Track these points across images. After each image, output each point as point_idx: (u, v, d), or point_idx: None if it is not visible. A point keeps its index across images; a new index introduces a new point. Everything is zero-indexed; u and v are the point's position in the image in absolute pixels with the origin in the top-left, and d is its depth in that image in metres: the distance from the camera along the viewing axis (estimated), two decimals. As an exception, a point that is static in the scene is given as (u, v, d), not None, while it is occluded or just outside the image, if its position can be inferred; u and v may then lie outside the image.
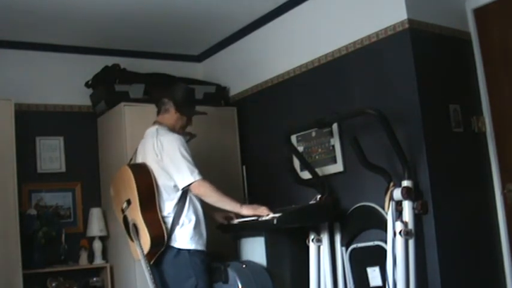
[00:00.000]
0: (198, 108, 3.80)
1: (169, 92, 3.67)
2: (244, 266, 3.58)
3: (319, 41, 4.04)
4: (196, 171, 3.38)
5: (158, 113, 3.66)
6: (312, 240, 3.67)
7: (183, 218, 3.39)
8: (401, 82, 3.49)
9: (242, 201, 3.56)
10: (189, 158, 3.40)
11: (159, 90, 3.76)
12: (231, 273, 3.50)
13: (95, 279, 4.42)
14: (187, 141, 3.54)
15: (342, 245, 3.62)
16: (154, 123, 3.62)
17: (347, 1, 3.87)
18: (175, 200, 3.41)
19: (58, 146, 4.57)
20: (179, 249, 3.37)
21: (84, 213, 4.56)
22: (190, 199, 3.44)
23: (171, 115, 3.62)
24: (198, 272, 3.37)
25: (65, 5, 3.98)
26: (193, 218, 3.41)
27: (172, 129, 3.57)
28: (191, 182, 3.35)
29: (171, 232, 3.37)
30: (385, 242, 3.25)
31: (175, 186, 3.41)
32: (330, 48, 3.94)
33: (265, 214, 3.41)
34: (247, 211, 3.47)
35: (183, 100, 3.62)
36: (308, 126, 3.85)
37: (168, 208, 3.41)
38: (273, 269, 3.63)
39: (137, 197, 3.37)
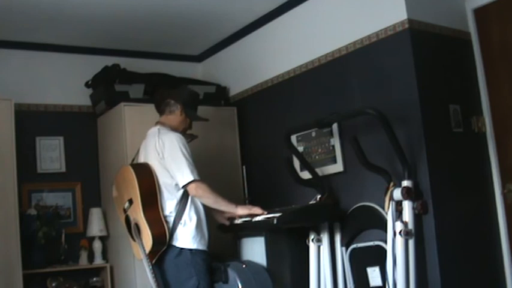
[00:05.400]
0: (199, 108, 3.82)
1: (176, 93, 3.69)
2: (244, 266, 3.58)
3: (319, 41, 4.04)
4: (195, 172, 3.40)
5: (162, 113, 3.67)
6: (312, 240, 3.67)
7: (185, 217, 3.40)
8: (401, 82, 3.49)
9: (237, 202, 3.58)
10: (189, 159, 3.42)
11: (163, 91, 3.77)
12: (231, 273, 3.50)
13: (95, 279, 4.42)
14: (188, 142, 3.55)
15: (342, 245, 3.62)
16: (157, 123, 3.63)
17: (347, 1, 3.87)
18: (177, 199, 3.42)
19: (58, 146, 4.57)
20: (181, 249, 3.38)
21: (84, 213, 4.56)
22: (192, 198, 3.45)
23: (176, 116, 3.63)
24: (199, 272, 3.38)
25: (65, 5, 3.98)
26: (195, 217, 3.42)
27: (174, 130, 3.58)
28: (191, 180, 3.36)
29: (172, 231, 3.38)
30: (385, 242, 3.25)
31: (176, 184, 3.42)
32: (330, 48, 3.94)
33: (260, 213, 3.49)
34: (243, 211, 3.53)
35: (190, 103, 3.65)
36: (308, 126, 3.84)
37: (169, 207, 3.42)
38: (273, 269, 3.63)
39: (139, 197, 3.38)
